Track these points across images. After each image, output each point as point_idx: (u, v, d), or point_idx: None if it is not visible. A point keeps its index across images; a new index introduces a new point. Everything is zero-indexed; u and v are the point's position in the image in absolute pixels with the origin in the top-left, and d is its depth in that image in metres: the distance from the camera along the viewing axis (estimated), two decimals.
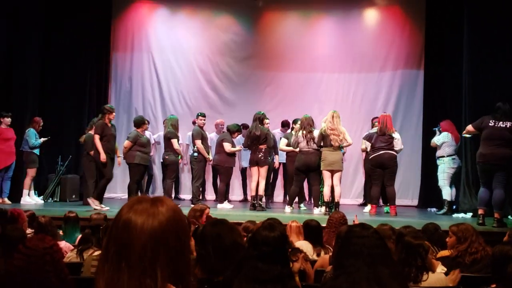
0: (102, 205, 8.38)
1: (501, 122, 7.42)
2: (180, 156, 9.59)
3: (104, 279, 1.30)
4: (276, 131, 10.69)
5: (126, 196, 9.39)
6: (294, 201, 9.22)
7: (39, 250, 2.64)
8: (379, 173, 8.63)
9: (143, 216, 1.31)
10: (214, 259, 2.74)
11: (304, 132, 8.79)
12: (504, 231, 5.86)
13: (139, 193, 9.52)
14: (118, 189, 11.30)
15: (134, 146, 9.13)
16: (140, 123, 9.43)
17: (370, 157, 8.76)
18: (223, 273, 2.66)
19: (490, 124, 7.43)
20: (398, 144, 8.69)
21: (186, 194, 11.27)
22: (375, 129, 8.98)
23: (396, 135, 8.73)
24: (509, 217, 8.06)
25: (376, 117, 9.82)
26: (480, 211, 7.43)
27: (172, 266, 1.31)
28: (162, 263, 1.30)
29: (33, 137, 9.48)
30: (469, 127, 7.84)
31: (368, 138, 8.92)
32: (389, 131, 8.61)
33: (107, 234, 1.35)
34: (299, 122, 9.21)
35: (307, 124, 8.83)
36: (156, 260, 1.29)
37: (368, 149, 9.01)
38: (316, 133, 8.77)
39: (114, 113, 8.95)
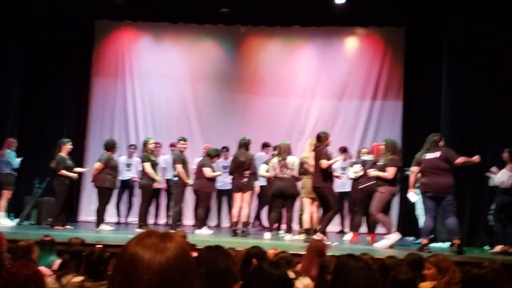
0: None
1: (431, 154, 7.66)
2: (154, 180, 9.41)
3: None
4: (260, 154, 10.61)
5: (95, 220, 9.37)
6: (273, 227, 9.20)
7: (22, 277, 2.60)
8: (367, 202, 8.55)
9: (151, 251, 1.29)
10: (206, 283, 2.73)
11: (279, 158, 8.84)
12: (464, 260, 5.98)
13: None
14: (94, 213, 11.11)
15: (105, 169, 9.14)
16: (111, 146, 9.42)
17: (362, 186, 8.70)
18: None
19: (424, 158, 7.70)
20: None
21: (163, 219, 11.18)
22: (366, 157, 8.94)
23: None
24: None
25: (364, 147, 9.89)
26: (425, 241, 7.46)
27: None
28: None
29: (14, 158, 9.41)
30: (415, 169, 7.88)
31: (361, 166, 8.86)
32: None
33: (113, 266, 1.33)
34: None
35: (283, 151, 8.84)
36: None
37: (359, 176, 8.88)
38: (290, 159, 8.81)
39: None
